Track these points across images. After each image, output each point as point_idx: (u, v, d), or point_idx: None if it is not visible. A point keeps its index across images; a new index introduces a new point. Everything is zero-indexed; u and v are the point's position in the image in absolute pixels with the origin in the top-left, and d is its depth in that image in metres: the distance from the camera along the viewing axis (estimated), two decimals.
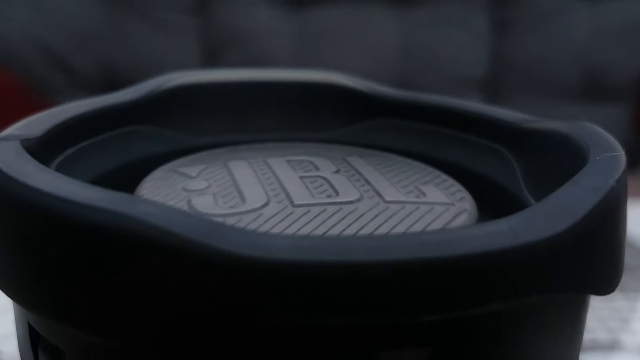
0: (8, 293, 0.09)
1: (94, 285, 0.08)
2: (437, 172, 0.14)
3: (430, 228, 0.11)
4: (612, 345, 0.25)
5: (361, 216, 0.11)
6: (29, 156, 0.10)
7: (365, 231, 0.11)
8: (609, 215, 0.10)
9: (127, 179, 0.13)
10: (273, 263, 0.08)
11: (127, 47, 0.94)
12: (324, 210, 0.11)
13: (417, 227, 0.11)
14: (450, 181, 0.13)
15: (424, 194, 0.12)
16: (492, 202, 0.13)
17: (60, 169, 0.12)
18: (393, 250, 0.08)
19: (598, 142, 0.11)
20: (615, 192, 0.10)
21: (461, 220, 0.11)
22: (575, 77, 0.95)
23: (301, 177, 0.13)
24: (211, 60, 0.95)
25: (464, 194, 0.13)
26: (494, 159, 0.14)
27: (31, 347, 0.10)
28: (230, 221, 0.11)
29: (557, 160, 0.12)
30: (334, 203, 0.12)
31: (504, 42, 0.96)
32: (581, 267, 0.09)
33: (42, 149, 0.12)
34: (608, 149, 0.11)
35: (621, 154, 0.11)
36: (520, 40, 0.95)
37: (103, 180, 0.13)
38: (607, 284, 0.10)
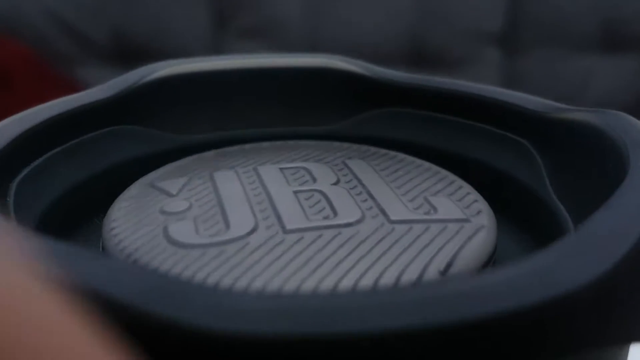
0: None
1: None
2: (450, 177, 0.12)
3: (441, 254, 0.09)
4: None
5: (362, 242, 0.10)
6: None
7: (366, 261, 0.09)
8: None
9: (102, 191, 0.12)
10: (241, 337, 0.06)
11: (138, 13, 0.92)
12: (320, 237, 0.10)
13: (425, 256, 0.09)
14: (466, 188, 0.11)
15: (435, 209, 0.11)
16: (513, 205, 0.12)
17: (22, 185, 0.11)
18: (389, 316, 0.06)
19: (637, 140, 0.10)
20: None
21: (477, 241, 0.10)
22: (592, 28, 0.91)
23: (295, 193, 0.11)
24: (221, 23, 0.92)
25: (481, 204, 0.11)
26: (515, 154, 0.12)
27: None
28: (211, 253, 0.09)
29: (590, 158, 0.10)
30: (331, 226, 0.10)
31: None
32: (629, 313, 0.07)
33: (3, 166, 0.10)
34: None
35: None
36: None
37: (74, 195, 0.12)
38: None
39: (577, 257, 0.07)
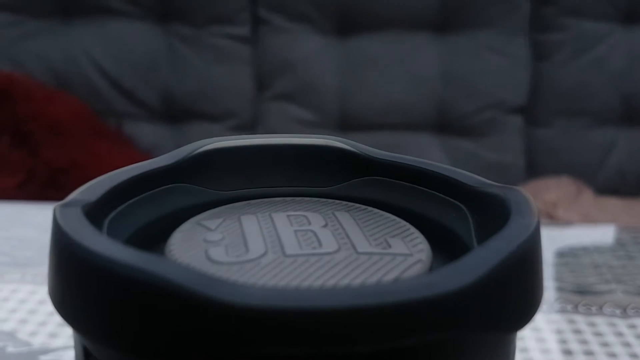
0: (70, 324, 0.13)
1: (125, 320, 0.12)
2: (407, 226, 0.17)
3: (387, 275, 0.14)
4: None
5: (335, 265, 0.15)
6: (87, 222, 0.14)
7: (336, 278, 0.14)
8: (510, 272, 0.13)
9: (164, 228, 0.17)
10: (246, 307, 0.11)
11: (185, 76, 1.00)
12: (308, 260, 0.15)
13: (377, 275, 0.14)
14: (416, 234, 0.16)
15: (390, 246, 0.16)
16: (450, 249, 0.17)
17: (112, 222, 0.16)
18: (334, 299, 0.11)
19: (520, 209, 0.14)
20: (517, 254, 0.13)
21: (415, 269, 0.15)
22: (613, 102, 0.95)
23: (295, 231, 0.16)
24: (261, 88, 1.00)
25: (424, 245, 0.16)
26: (455, 214, 0.17)
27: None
28: (234, 269, 0.14)
29: (494, 219, 0.15)
30: (316, 254, 0.15)
31: (544, 67, 0.98)
32: (482, 313, 0.12)
33: (98, 209, 0.16)
34: (526, 216, 0.14)
35: (533, 222, 0.14)
36: (560, 65, 0.96)
37: (146, 230, 0.17)
38: (511, 324, 0.13)
39: (450, 276, 0.12)
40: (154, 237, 0.17)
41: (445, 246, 0.17)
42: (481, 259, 0.12)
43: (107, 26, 1.01)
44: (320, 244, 0.15)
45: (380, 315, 0.11)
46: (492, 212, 0.16)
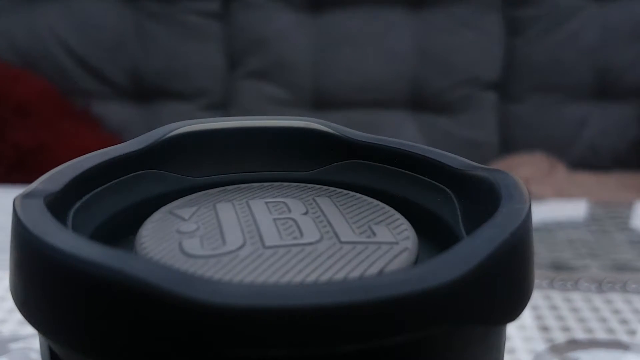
0: (33, 325, 0.12)
1: (92, 322, 0.11)
2: (391, 212, 0.16)
3: (373, 266, 0.13)
4: None
5: (318, 256, 0.14)
6: (50, 214, 0.13)
7: (319, 271, 0.13)
8: (503, 261, 0.12)
9: (134, 217, 0.16)
10: (224, 307, 0.10)
11: (154, 52, 0.98)
12: (289, 252, 0.14)
13: (362, 266, 0.13)
14: (401, 220, 0.16)
15: (374, 234, 0.15)
16: (436, 235, 0.16)
17: (77, 214, 0.15)
18: (318, 296, 0.11)
19: (511, 194, 0.14)
20: (510, 242, 0.12)
21: (402, 258, 0.14)
22: (587, 77, 0.96)
23: (274, 219, 0.15)
24: (235, 64, 0.98)
25: (409, 232, 0.15)
26: (440, 198, 0.16)
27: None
28: (211, 263, 0.13)
29: (483, 203, 0.15)
30: (297, 244, 0.14)
31: (517, 43, 0.97)
32: (475, 306, 0.11)
33: (62, 200, 0.14)
34: (517, 201, 0.13)
35: (524, 206, 0.13)
36: (533, 41, 0.96)
37: (114, 221, 0.16)
38: (503, 316, 0.12)
39: (440, 268, 0.11)
40: (123, 229, 0.16)
41: (431, 232, 0.16)
42: (474, 249, 0.12)
43: (73, 3, 0.97)
44: (301, 234, 0.15)
45: (369, 312, 0.11)
46: (480, 197, 0.15)
